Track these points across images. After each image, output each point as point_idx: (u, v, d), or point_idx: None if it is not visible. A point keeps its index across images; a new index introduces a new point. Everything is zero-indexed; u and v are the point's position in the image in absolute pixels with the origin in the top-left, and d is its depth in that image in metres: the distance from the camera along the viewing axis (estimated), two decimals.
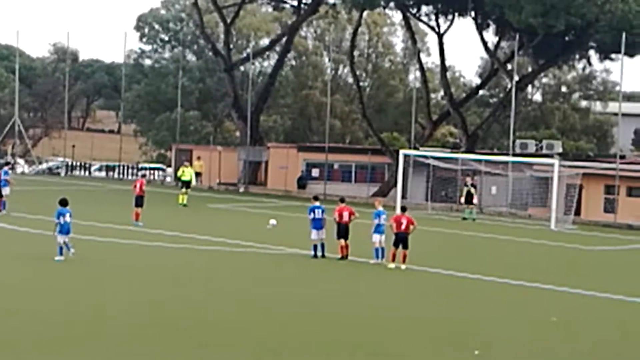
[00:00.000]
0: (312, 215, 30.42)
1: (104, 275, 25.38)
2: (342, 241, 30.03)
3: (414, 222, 29.24)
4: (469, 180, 52.10)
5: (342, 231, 30.10)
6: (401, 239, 28.79)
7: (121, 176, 77.01)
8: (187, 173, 52.15)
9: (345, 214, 30.18)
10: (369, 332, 19.35)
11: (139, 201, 39.06)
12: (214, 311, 20.83)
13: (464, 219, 50.07)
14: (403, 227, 28.85)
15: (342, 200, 31.62)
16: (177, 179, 59.70)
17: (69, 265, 26.73)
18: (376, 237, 29.61)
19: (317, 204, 30.80)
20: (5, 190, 41.54)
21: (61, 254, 27.33)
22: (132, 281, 24.72)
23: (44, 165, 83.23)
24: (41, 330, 18.27)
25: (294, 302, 22.56)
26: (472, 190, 50.98)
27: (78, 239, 29.25)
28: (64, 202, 27.76)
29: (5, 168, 43.65)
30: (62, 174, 76.74)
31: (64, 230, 27.36)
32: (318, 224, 30.20)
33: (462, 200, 51.48)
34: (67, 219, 27.43)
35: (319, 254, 30.25)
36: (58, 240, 27.41)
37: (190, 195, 50.86)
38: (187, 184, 51.26)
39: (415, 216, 30.72)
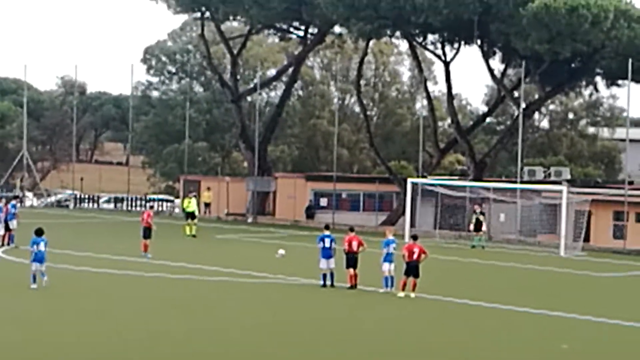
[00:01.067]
0: (321, 245, 30.41)
1: (113, 307, 25.37)
2: (351, 270, 29.96)
3: (425, 251, 29.22)
4: (477, 208, 51.99)
5: (351, 260, 30.04)
6: (412, 268, 28.74)
7: (130, 208, 77.02)
8: (192, 204, 52.00)
9: (355, 244, 30.12)
10: (377, 358, 19.30)
11: (147, 233, 39.08)
12: (227, 342, 20.79)
13: (473, 246, 49.94)
14: (415, 256, 28.82)
15: (351, 229, 31.50)
16: (182, 210, 59.70)
17: (77, 296, 26.74)
18: (386, 266, 29.54)
19: (327, 232, 30.77)
20: (13, 224, 41.55)
21: (34, 281, 27.80)
22: (139, 312, 24.68)
23: (53, 198, 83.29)
24: None
25: (303, 331, 22.49)
26: (481, 217, 50.83)
27: (89, 272, 29.21)
28: (39, 232, 28.36)
29: (14, 202, 43.65)
30: (71, 207, 76.80)
31: (37, 258, 27.84)
32: (327, 253, 30.15)
33: (471, 227, 51.31)
34: (42, 247, 27.97)
35: (328, 283, 30.20)
36: (32, 269, 27.98)
37: (198, 226, 50.81)
38: (192, 215, 51.11)
39: (424, 244, 30.65)
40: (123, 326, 22.53)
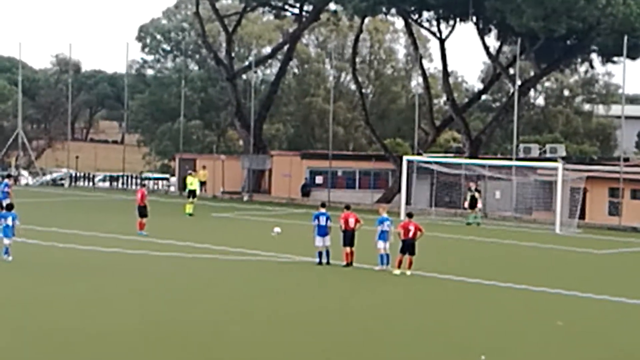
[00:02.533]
0: (316, 222, 30.44)
1: (107, 284, 25.41)
2: (348, 248, 29.95)
3: (421, 228, 29.25)
4: (473, 185, 51.97)
5: (348, 238, 30.03)
6: (408, 246, 28.78)
7: (125, 186, 76.97)
8: (194, 182, 52.19)
9: (351, 221, 30.11)
10: (374, 339, 19.32)
11: (142, 211, 39.16)
12: (219, 323, 20.82)
13: (468, 223, 49.95)
14: (411, 234, 28.84)
15: (347, 207, 31.48)
16: (184, 188, 59.61)
17: (72, 273, 26.78)
18: (381, 244, 29.55)
19: (323, 210, 30.77)
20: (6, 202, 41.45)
21: (6, 253, 29.36)
22: (134, 289, 24.70)
23: (48, 177, 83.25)
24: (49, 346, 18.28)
25: (299, 311, 22.52)
26: (477, 195, 50.83)
27: (79, 250, 29.19)
28: (8, 207, 30.50)
29: (7, 180, 43.54)
30: (66, 185, 76.71)
31: (4, 233, 29.27)
32: (323, 231, 30.17)
33: (466, 205, 51.32)
34: (9, 222, 29.23)
35: (324, 260, 30.22)
36: (4, 242, 29.36)
37: (195, 204, 50.85)
38: (193, 193, 51.25)
39: (419, 222, 30.66)
40: (117, 309, 22.57)
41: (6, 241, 29.33)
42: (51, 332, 19.14)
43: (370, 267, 29.63)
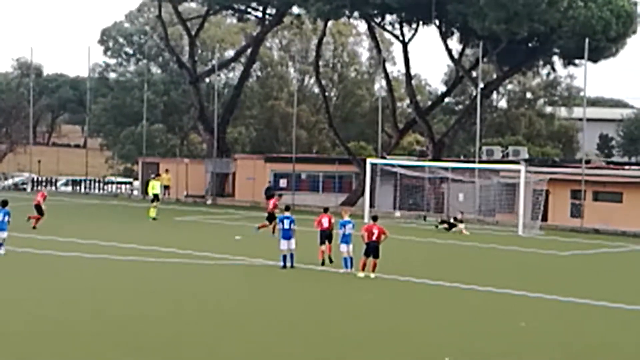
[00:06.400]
0: (280, 225, 30.43)
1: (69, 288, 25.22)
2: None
3: (385, 232, 29.15)
4: (459, 215, 51.91)
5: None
6: (372, 248, 28.74)
7: (87, 190, 76.57)
8: (156, 186, 51.65)
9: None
10: (338, 343, 19.26)
11: (39, 210, 42.21)
12: (180, 326, 20.69)
13: (436, 226, 49.10)
14: (374, 236, 28.80)
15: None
16: (146, 192, 59.34)
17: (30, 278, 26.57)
18: (343, 247, 29.54)
19: (287, 214, 30.79)
20: None
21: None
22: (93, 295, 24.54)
23: (10, 181, 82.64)
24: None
25: (262, 315, 22.43)
26: (459, 224, 49.14)
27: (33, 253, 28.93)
28: (3, 203, 32.07)
29: None
30: (28, 189, 76.19)
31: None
32: (287, 234, 30.13)
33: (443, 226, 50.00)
34: (4, 218, 31.43)
35: (288, 264, 30.15)
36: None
37: (158, 208, 50.58)
38: (157, 197, 50.84)
39: (384, 224, 30.66)
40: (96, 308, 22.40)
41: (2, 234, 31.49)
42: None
43: (335, 270, 29.59)
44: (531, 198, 51.06)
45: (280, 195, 48.04)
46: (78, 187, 78.33)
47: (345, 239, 29.55)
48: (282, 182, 69.77)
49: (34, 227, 40.78)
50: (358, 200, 63.69)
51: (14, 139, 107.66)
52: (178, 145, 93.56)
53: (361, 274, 28.62)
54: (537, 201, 51.29)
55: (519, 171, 50.94)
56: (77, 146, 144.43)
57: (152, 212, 49.60)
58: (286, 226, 30.24)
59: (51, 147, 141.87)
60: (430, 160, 63.46)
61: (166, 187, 68.29)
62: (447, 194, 60.69)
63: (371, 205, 52.89)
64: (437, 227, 49.12)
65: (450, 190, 60.07)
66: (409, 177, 57.97)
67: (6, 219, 31.62)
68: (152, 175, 55.35)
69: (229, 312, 22.53)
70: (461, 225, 47.74)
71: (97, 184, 78.20)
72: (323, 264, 30.36)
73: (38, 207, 42.41)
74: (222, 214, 56.07)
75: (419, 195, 59.92)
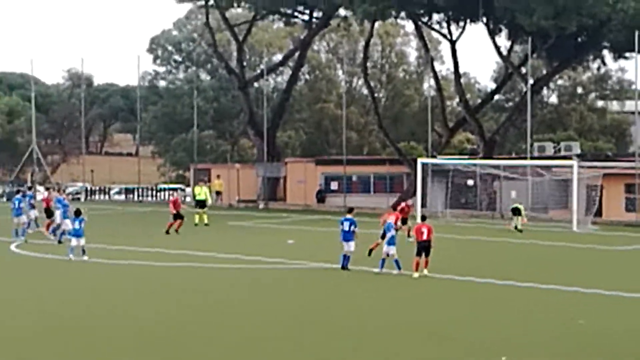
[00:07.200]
0: (340, 227, 30.51)
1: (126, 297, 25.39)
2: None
3: (432, 230, 29.35)
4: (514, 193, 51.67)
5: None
6: (423, 248, 28.80)
7: (141, 198, 77.12)
8: (202, 192, 51.61)
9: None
10: (390, 339, 19.22)
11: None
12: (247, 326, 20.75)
13: (517, 229, 47.78)
14: (424, 236, 28.83)
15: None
16: (193, 198, 59.46)
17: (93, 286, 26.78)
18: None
19: (348, 216, 30.67)
20: (21, 219, 41.58)
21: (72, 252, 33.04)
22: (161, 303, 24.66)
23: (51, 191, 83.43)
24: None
25: (324, 311, 22.43)
26: (519, 206, 48.68)
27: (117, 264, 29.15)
28: (77, 212, 33.68)
29: (18, 196, 43.74)
30: (82, 199, 76.89)
31: (76, 234, 33.21)
32: (345, 236, 30.19)
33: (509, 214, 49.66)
34: (76, 225, 33.16)
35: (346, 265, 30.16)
36: (72, 244, 33.30)
37: (211, 214, 50.62)
38: (202, 204, 50.83)
39: (436, 224, 30.57)
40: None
41: (74, 242, 33.17)
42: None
43: (389, 272, 29.48)
44: (585, 194, 50.61)
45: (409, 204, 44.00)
46: (131, 196, 78.94)
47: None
48: (334, 185, 69.82)
49: (177, 231, 42.98)
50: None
51: (67, 150, 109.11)
52: (229, 151, 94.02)
53: (416, 274, 28.52)
54: (591, 196, 50.84)
55: (571, 167, 50.53)
56: (129, 154, 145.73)
57: (198, 218, 49.20)
58: (345, 228, 30.24)
59: (104, 156, 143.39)
60: (481, 158, 63.15)
61: (218, 193, 68.59)
62: (499, 192, 60.29)
63: (423, 205, 52.67)
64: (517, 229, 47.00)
65: (503, 188, 59.70)
66: (460, 176, 57.70)
67: (82, 225, 33.12)
68: (200, 182, 55.18)
69: (293, 316, 22.55)
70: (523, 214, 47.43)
71: (149, 192, 78.71)
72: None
73: (176, 214, 43.65)
74: (274, 217, 56.14)
75: (471, 194, 59.59)
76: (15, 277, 29.58)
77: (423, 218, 30.45)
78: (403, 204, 42.10)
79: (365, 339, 19.54)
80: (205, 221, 49.10)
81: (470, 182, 59.08)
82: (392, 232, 29.71)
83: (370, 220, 40.36)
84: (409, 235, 37.39)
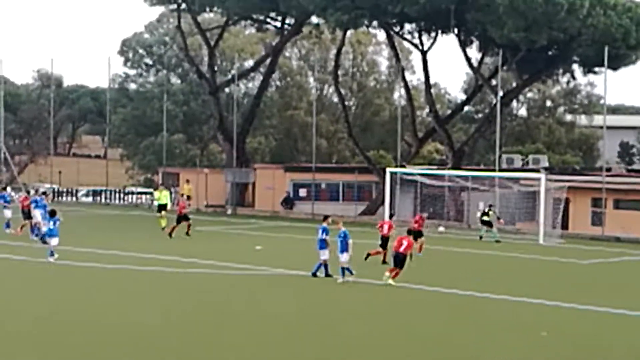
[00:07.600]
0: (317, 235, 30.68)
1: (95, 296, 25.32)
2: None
3: (412, 244, 29.85)
4: (482, 205, 51.94)
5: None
6: (399, 260, 29.13)
7: (108, 201, 76.81)
8: (162, 196, 50.71)
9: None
10: (374, 346, 19.27)
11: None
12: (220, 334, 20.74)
13: (497, 241, 47.43)
14: (402, 248, 29.08)
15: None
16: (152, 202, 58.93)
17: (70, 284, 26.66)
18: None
19: (324, 224, 30.69)
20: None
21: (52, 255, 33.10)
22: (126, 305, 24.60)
23: (31, 192, 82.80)
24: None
25: (289, 322, 22.46)
26: (491, 212, 49.03)
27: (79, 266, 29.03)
28: (52, 213, 34.53)
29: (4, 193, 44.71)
30: (49, 200, 76.26)
31: (50, 234, 33.89)
32: (319, 244, 30.31)
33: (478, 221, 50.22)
34: (51, 225, 33.87)
35: (321, 274, 30.13)
36: (50, 244, 33.64)
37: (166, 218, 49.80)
38: (163, 207, 49.86)
39: (402, 233, 30.72)
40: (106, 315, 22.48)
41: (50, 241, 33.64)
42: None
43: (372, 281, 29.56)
44: (552, 206, 50.89)
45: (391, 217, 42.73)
46: (99, 198, 78.58)
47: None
48: (302, 192, 69.82)
49: (187, 234, 44.45)
50: (378, 210, 63.64)
51: (35, 150, 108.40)
52: (198, 156, 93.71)
53: (386, 276, 28.83)
54: (558, 209, 51.12)
55: (539, 179, 50.81)
56: (97, 157, 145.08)
57: (162, 222, 48.81)
58: (320, 236, 30.23)
59: (72, 157, 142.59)
60: (450, 169, 63.37)
61: (188, 198, 68.14)
62: (467, 203, 60.54)
63: (391, 215, 52.73)
64: (497, 241, 47.16)
65: (470, 199, 59.94)
66: (428, 186, 57.86)
67: (57, 225, 33.74)
68: (160, 186, 54.71)
69: (253, 320, 22.54)
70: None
71: (117, 195, 78.41)
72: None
73: (182, 216, 44.90)
74: (242, 223, 56.07)
75: (439, 204, 59.79)
76: None
77: (409, 232, 30.94)
78: (417, 217, 41.90)
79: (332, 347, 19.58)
80: (162, 225, 48.20)
81: (481, 204, 58.66)
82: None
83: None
84: (420, 250, 37.60)
